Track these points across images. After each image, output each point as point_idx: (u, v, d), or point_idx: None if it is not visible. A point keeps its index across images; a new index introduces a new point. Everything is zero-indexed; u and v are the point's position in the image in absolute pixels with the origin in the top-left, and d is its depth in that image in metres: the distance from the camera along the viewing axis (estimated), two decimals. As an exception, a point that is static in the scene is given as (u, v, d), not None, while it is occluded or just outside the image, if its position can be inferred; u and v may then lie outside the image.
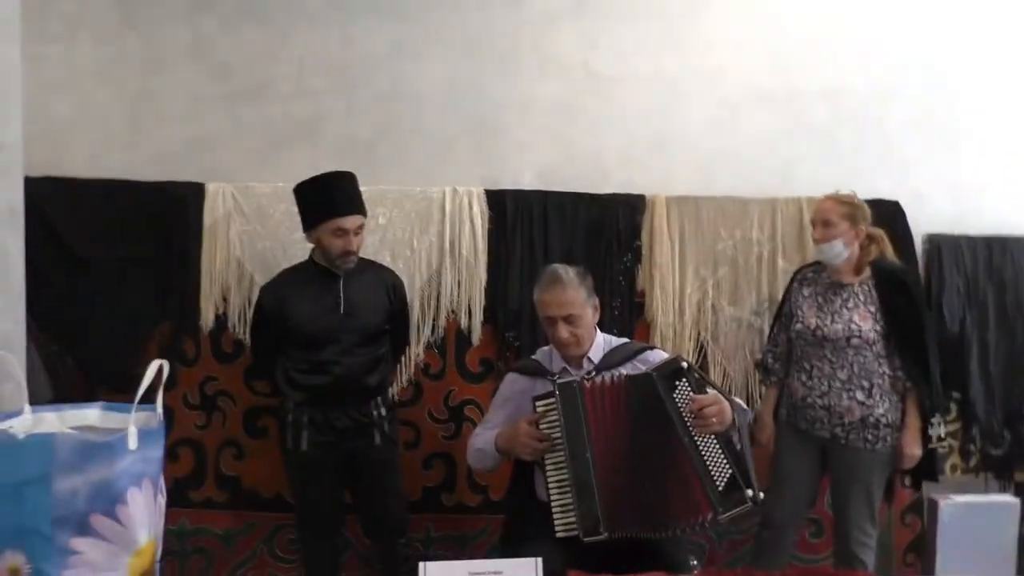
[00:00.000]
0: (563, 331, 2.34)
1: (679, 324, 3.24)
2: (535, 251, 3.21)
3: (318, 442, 2.71)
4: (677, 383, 2.11)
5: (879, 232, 2.88)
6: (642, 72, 3.34)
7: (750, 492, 2.00)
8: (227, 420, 3.14)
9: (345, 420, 2.73)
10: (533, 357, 2.56)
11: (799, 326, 2.86)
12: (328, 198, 2.68)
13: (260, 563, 3.17)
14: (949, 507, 3.20)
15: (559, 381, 2.24)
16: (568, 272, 2.38)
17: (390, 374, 2.95)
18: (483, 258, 3.19)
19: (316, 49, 3.26)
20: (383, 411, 2.80)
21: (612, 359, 2.40)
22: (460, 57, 3.30)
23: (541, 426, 2.22)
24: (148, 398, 1.43)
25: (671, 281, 3.24)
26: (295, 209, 2.90)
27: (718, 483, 2.03)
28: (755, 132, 3.36)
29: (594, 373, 2.31)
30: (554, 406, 2.20)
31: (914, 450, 2.75)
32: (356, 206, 2.71)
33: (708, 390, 2.15)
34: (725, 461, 2.06)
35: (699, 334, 3.26)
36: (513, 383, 2.50)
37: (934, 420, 2.78)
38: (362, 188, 2.79)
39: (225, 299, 3.12)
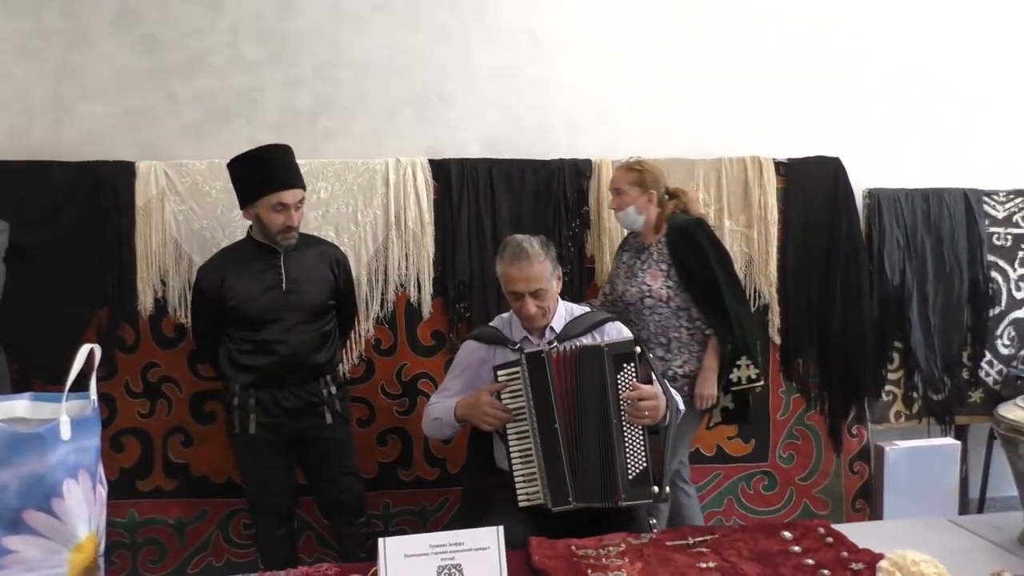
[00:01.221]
0: (531, 306, 2.30)
1: (629, 288, 3.24)
2: (483, 220, 3.18)
3: (266, 424, 2.64)
4: (625, 365, 2.11)
5: (681, 190, 2.96)
6: (585, 38, 3.32)
7: (655, 489, 2.08)
8: (172, 407, 3.05)
9: (293, 400, 2.65)
10: (491, 325, 2.52)
11: (612, 294, 2.95)
12: (266, 172, 2.58)
13: (216, 550, 3.11)
14: (894, 452, 3.30)
15: (527, 351, 2.21)
16: (533, 244, 2.32)
17: (338, 351, 2.87)
18: (430, 229, 3.14)
19: (251, 18, 3.15)
20: (333, 389, 2.73)
21: (573, 329, 2.38)
22: (402, 26, 3.23)
23: (503, 396, 2.20)
24: (82, 386, 1.36)
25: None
26: (232, 186, 2.80)
27: (630, 472, 2.09)
28: (699, 96, 3.37)
29: (555, 343, 2.29)
30: (517, 375, 2.18)
31: (704, 390, 2.79)
32: (295, 179, 2.63)
33: (653, 383, 2.15)
34: (643, 452, 2.10)
35: (649, 296, 3.27)
36: (471, 351, 2.46)
37: (740, 362, 2.81)
38: (303, 161, 2.72)
39: (164, 282, 3.02)
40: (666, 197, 2.89)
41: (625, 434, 2.10)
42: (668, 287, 2.79)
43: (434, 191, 3.15)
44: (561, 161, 3.23)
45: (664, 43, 3.36)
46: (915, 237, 3.42)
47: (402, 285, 3.13)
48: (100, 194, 2.97)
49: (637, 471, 2.09)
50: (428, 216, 3.13)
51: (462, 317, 3.15)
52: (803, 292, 3.33)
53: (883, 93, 3.49)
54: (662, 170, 2.90)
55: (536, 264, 2.30)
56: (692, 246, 2.78)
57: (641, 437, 2.11)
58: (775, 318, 3.31)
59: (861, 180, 3.39)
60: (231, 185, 2.76)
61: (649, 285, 2.80)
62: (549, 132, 3.31)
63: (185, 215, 3.02)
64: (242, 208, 2.66)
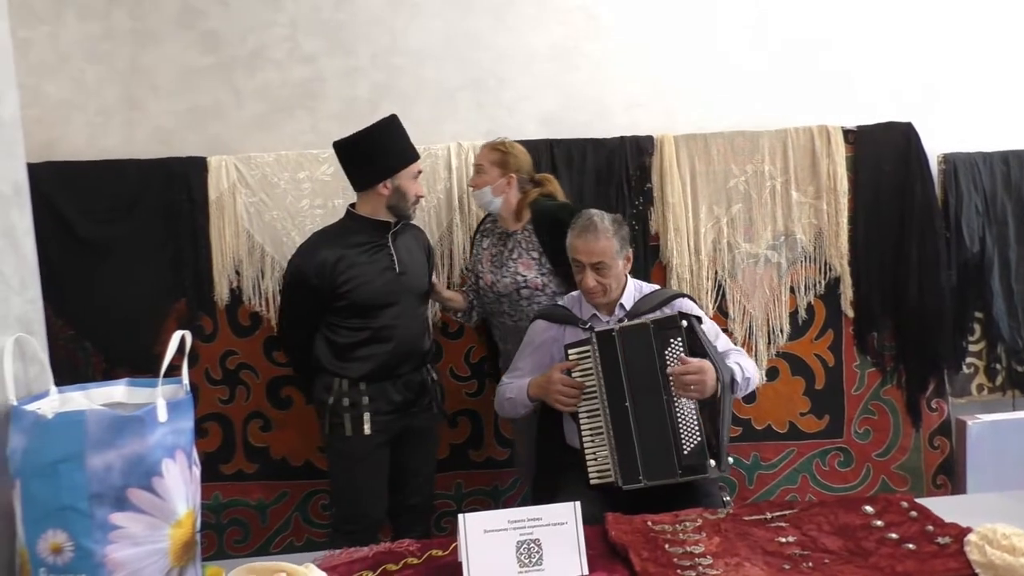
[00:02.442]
0: (590, 279, 2.32)
1: (695, 264, 3.20)
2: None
3: (379, 422, 2.49)
4: (672, 340, 2.10)
5: (546, 176, 2.88)
6: (641, 13, 3.27)
7: (713, 463, 2.05)
8: (251, 393, 3.13)
9: (405, 392, 2.55)
10: (560, 303, 2.54)
11: (481, 283, 2.86)
12: (405, 141, 2.57)
13: (296, 530, 3.20)
14: (977, 426, 3.19)
15: (596, 329, 2.22)
16: (604, 220, 2.35)
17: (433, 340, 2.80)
18: (492, 212, 3.15)
19: (309, 11, 3.18)
20: (435, 376, 2.68)
21: (643, 306, 2.38)
22: (456, 9, 3.23)
23: (574, 374, 2.22)
24: (172, 373, 1.41)
25: (684, 221, 3.19)
26: (300, 176, 2.85)
27: (684, 447, 2.06)
28: (761, 66, 3.29)
29: (626, 320, 2.28)
30: (588, 354, 2.19)
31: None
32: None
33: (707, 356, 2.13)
34: (696, 426, 2.08)
35: (716, 273, 3.22)
36: (541, 330, 2.47)
37: None
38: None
39: (238, 272, 3.09)
40: (530, 184, 2.81)
41: (677, 409, 2.08)
42: (542, 275, 2.72)
43: (496, 174, 3.15)
44: (622, 139, 3.20)
45: (722, 13, 3.28)
46: (995, 202, 3.28)
47: (467, 268, 3.15)
48: (174, 189, 3.05)
49: (692, 446, 2.07)
50: (491, 199, 3.14)
51: (527, 298, 3.16)
52: (876, 263, 3.23)
53: (956, 53, 3.35)
54: (528, 156, 2.84)
55: (602, 239, 2.31)
56: (557, 229, 2.60)
57: (694, 411, 2.09)
58: (847, 291, 3.23)
59: (935, 145, 3.26)
60: (299, 175, 2.81)
61: (524, 275, 2.72)
62: (607, 109, 3.28)
63: (256, 207, 3.09)
64: (373, 184, 2.52)
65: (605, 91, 3.29)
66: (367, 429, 2.47)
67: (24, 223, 1.46)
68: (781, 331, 3.24)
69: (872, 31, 3.31)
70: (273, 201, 3.10)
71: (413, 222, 2.76)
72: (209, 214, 3.07)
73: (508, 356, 2.71)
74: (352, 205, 2.62)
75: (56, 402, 1.40)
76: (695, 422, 2.08)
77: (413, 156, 2.58)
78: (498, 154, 2.79)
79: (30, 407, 1.33)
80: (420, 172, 2.60)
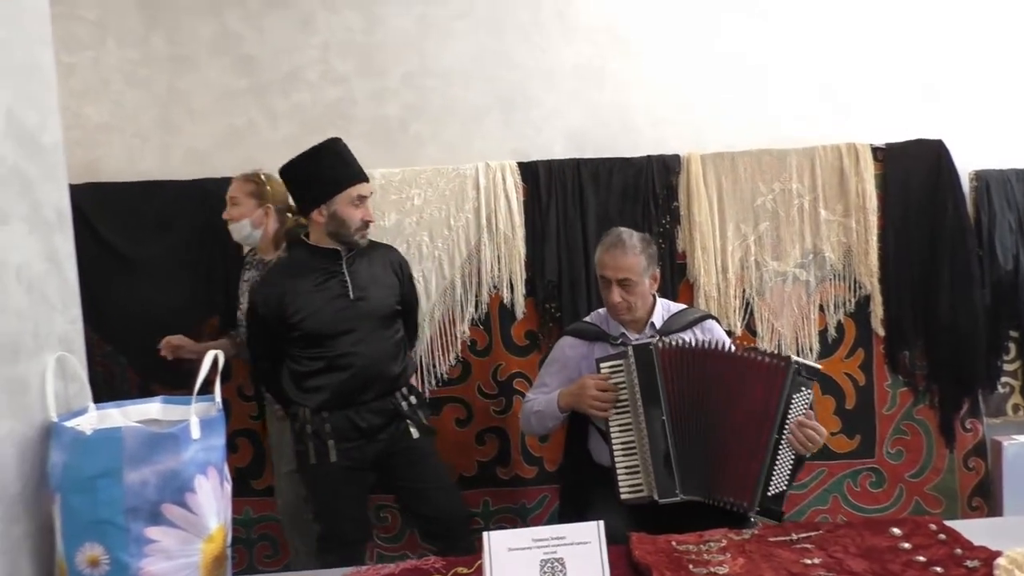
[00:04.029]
0: (616, 294, 2.34)
1: (723, 283, 3.20)
2: (571, 220, 3.19)
3: (346, 449, 2.41)
4: (803, 388, 2.07)
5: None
6: (667, 32, 3.29)
7: (783, 513, 2.06)
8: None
9: (370, 417, 2.44)
10: (588, 320, 2.55)
11: (239, 315, 2.80)
12: (342, 165, 2.44)
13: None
14: (1013, 447, 3.14)
15: (634, 343, 2.24)
16: (632, 237, 2.38)
17: (411, 361, 2.68)
18: (520, 231, 3.17)
19: (340, 33, 3.26)
20: (412, 400, 2.54)
21: (673, 325, 2.40)
22: (484, 31, 3.28)
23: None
24: (205, 390, 1.45)
25: (712, 240, 3.20)
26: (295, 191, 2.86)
27: (770, 490, 2.05)
28: (788, 84, 3.29)
29: (656, 338, 2.29)
30: (621, 367, 2.20)
31: None
32: (363, 172, 2.49)
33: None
34: (788, 476, 2.08)
35: (744, 291, 3.22)
36: (570, 347, 2.49)
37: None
38: (396, 169, 2.79)
39: (270, 290, 3.15)
40: (288, 215, 2.74)
41: (780, 452, 2.07)
42: None
43: (523, 193, 3.18)
44: (648, 157, 3.21)
45: (748, 32, 3.30)
46: (1029, 219, 3.25)
47: (495, 286, 3.17)
48: (207, 209, 3.10)
49: (777, 491, 2.06)
50: (518, 218, 3.17)
51: (553, 317, 3.17)
52: (907, 281, 3.20)
53: (988, 70, 3.32)
54: (283, 186, 2.62)
55: (630, 255, 2.33)
56: None
57: (791, 461, 2.08)
58: (877, 309, 3.20)
59: (967, 162, 3.23)
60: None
61: None
62: (633, 128, 3.30)
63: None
64: (310, 211, 2.44)
65: (632, 109, 3.31)
66: (333, 456, 2.40)
67: (67, 247, 1.51)
68: (810, 349, 3.22)
69: (902, 48, 3.30)
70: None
71: (421, 242, 2.76)
72: (243, 234, 3.14)
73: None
74: (305, 233, 2.55)
75: (94, 419, 1.44)
76: (788, 471, 2.08)
77: (348, 181, 2.42)
78: (253, 185, 2.74)
79: (70, 423, 1.38)
80: (364, 196, 2.44)
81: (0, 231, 1.32)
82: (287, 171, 2.48)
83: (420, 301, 2.92)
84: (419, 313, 2.85)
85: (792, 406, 2.06)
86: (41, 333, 1.41)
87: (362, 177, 2.47)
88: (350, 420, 2.43)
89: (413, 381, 2.75)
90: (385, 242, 2.74)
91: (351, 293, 2.43)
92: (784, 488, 2.06)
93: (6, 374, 1.31)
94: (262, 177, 2.79)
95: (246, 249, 2.94)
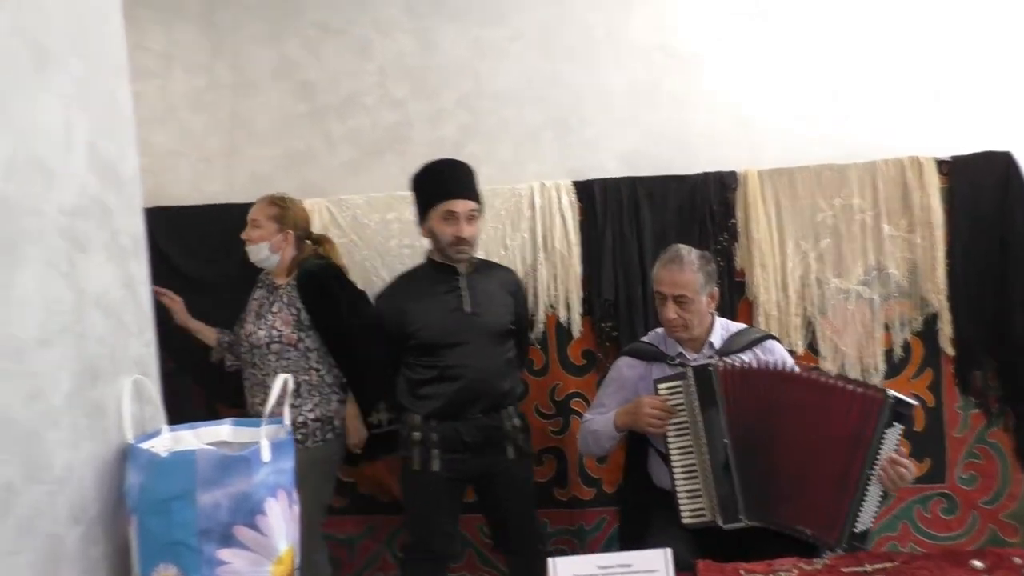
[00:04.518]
0: (671, 310, 2.32)
1: (783, 301, 3.14)
2: (626, 239, 3.17)
3: (449, 460, 2.52)
4: (895, 423, 2.01)
5: (326, 237, 2.84)
6: (721, 48, 3.26)
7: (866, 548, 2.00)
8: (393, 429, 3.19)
9: (476, 433, 2.53)
10: (645, 340, 2.53)
11: (242, 331, 2.79)
12: (438, 182, 2.56)
13: (383, 565, 3.24)
14: (1092, 473, 2.99)
15: (694, 364, 2.21)
16: (691, 254, 2.36)
17: (520, 381, 2.75)
18: (576, 250, 3.16)
19: (397, 58, 3.32)
20: (516, 421, 2.61)
21: (733, 345, 2.36)
22: (538, 52, 3.30)
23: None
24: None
25: (771, 257, 3.14)
26: (389, 217, 2.95)
27: (858, 526, 1.99)
28: (847, 97, 3.23)
29: (716, 358, 2.26)
30: (679, 388, 2.17)
31: (351, 439, 2.71)
32: (466, 190, 2.56)
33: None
34: (875, 512, 2.02)
35: (805, 309, 3.15)
36: (628, 367, 2.47)
37: (380, 406, 2.68)
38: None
39: (330, 311, 3.20)
40: (307, 242, 2.79)
41: (869, 488, 2.01)
42: (299, 331, 2.68)
43: (579, 212, 3.18)
44: (704, 174, 3.18)
45: (804, 44, 3.25)
46: (1106, 234, 3.11)
47: (551, 306, 3.16)
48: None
49: (863, 527, 2.01)
50: (574, 237, 3.16)
51: (610, 336, 3.15)
52: (976, 298, 3.09)
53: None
54: (306, 213, 2.82)
55: (687, 271, 2.31)
56: (321, 292, 2.66)
57: (879, 498, 2.02)
58: (946, 327, 3.09)
59: (1037, 175, 3.12)
60: (388, 216, 2.91)
61: (279, 330, 2.67)
62: (688, 145, 3.27)
63: (347, 247, 3.18)
64: (420, 226, 2.63)
65: (687, 127, 3.28)
66: (435, 466, 2.51)
67: (141, 272, 1.56)
68: (875, 369, 3.13)
69: (964, 58, 3.21)
70: (363, 241, 3.20)
71: (502, 263, 2.87)
72: (303, 254, 3.20)
73: (254, 410, 2.71)
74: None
75: (168, 440, 1.48)
76: (875, 508, 2.03)
77: (439, 198, 2.52)
78: (276, 209, 2.75)
79: (145, 445, 1.41)
80: (455, 212, 2.51)
81: (81, 259, 1.36)
82: (412, 188, 2.65)
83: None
84: (529, 333, 2.95)
85: (885, 441, 1.99)
86: (118, 357, 1.45)
87: (455, 194, 2.53)
88: (456, 432, 2.52)
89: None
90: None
91: (466, 307, 2.54)
92: (869, 525, 2.00)
93: (86, 398, 1.35)
94: (286, 202, 2.80)
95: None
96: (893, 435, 2.00)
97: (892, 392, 2.01)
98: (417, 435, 2.55)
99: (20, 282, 1.20)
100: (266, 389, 2.67)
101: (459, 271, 2.58)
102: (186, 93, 3.36)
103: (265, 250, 2.75)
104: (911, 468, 2.02)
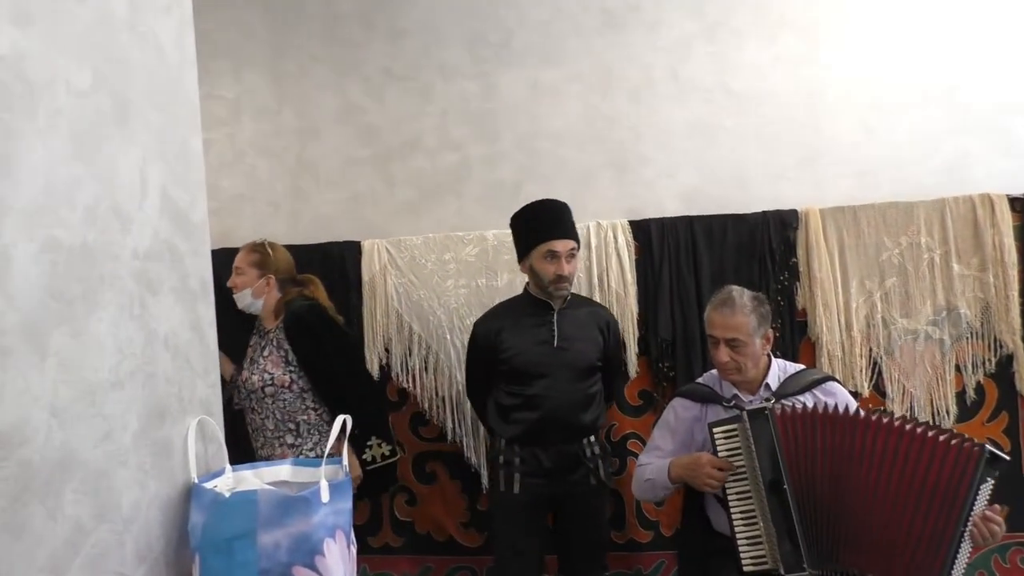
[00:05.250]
0: (724, 354, 2.28)
1: (847, 341, 3.06)
2: (684, 277, 3.14)
3: (530, 485, 2.61)
4: (989, 478, 1.93)
5: (309, 277, 2.82)
6: (781, 87, 3.24)
7: None
8: (397, 467, 3.23)
9: (556, 459, 2.61)
10: (700, 382, 2.49)
11: (239, 377, 2.77)
12: (537, 222, 2.65)
13: (442, 604, 3.23)
14: None
15: (749, 408, 2.16)
16: (743, 296, 2.32)
17: (603, 414, 2.79)
18: (632, 289, 3.15)
19: (457, 101, 3.39)
20: (596, 450, 2.67)
21: (790, 387, 2.30)
22: (596, 92, 3.33)
23: (720, 454, 2.15)
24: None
25: (834, 297, 3.07)
26: (446, 257, 2.98)
27: None
28: (912, 133, 3.17)
29: (772, 400, 2.21)
30: (736, 433, 2.13)
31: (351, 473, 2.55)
32: (567, 230, 2.65)
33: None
34: (965, 565, 1.94)
35: (871, 350, 3.06)
36: (683, 409, 2.43)
37: (371, 442, 2.70)
38: (509, 229, 2.83)
39: (387, 350, 3.24)
40: (291, 284, 2.81)
41: (961, 547, 1.93)
42: (290, 372, 2.68)
43: (635, 251, 3.17)
44: (764, 213, 3.14)
45: (864, 80, 3.20)
46: None
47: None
48: (331, 271, 3.25)
49: None
50: (630, 276, 3.15)
51: (666, 376, 3.11)
52: (1054, 338, 2.97)
53: None
54: (289, 256, 2.85)
55: (739, 314, 2.27)
56: (307, 332, 2.69)
57: (968, 554, 1.94)
58: (1021, 369, 2.97)
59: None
60: (444, 256, 2.94)
61: (271, 373, 2.68)
62: (748, 183, 3.24)
63: (404, 287, 3.24)
64: (520, 262, 2.74)
65: (746, 165, 3.26)
66: (516, 488, 2.61)
67: (208, 314, 1.61)
68: (947, 412, 3.02)
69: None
70: (420, 281, 3.24)
71: (596, 299, 3.00)
72: (362, 294, 3.25)
73: (257, 455, 2.74)
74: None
75: (231, 480, 1.51)
76: (964, 564, 1.94)
77: (541, 238, 2.62)
78: (256, 255, 2.79)
79: (209, 485, 1.45)
80: (556, 252, 2.60)
81: (152, 301, 1.42)
82: (511, 225, 2.76)
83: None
84: (619, 370, 3.01)
85: (979, 496, 1.91)
86: (185, 397, 1.50)
87: (557, 235, 2.62)
88: (536, 457, 2.62)
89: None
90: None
91: (555, 341, 2.63)
92: None
93: (154, 437, 1.39)
94: (267, 247, 2.83)
95: None
96: (986, 490, 1.92)
97: (988, 447, 1.92)
98: (502, 457, 2.66)
99: (95, 326, 1.26)
100: (265, 433, 2.72)
101: (553, 306, 2.68)
102: (253, 139, 3.49)
103: (248, 296, 2.79)
104: (1003, 525, 1.93)
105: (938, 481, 1.93)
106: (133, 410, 1.34)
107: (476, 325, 2.81)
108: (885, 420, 2.02)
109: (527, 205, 2.71)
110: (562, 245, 2.61)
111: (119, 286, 1.33)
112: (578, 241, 2.69)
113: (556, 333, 2.65)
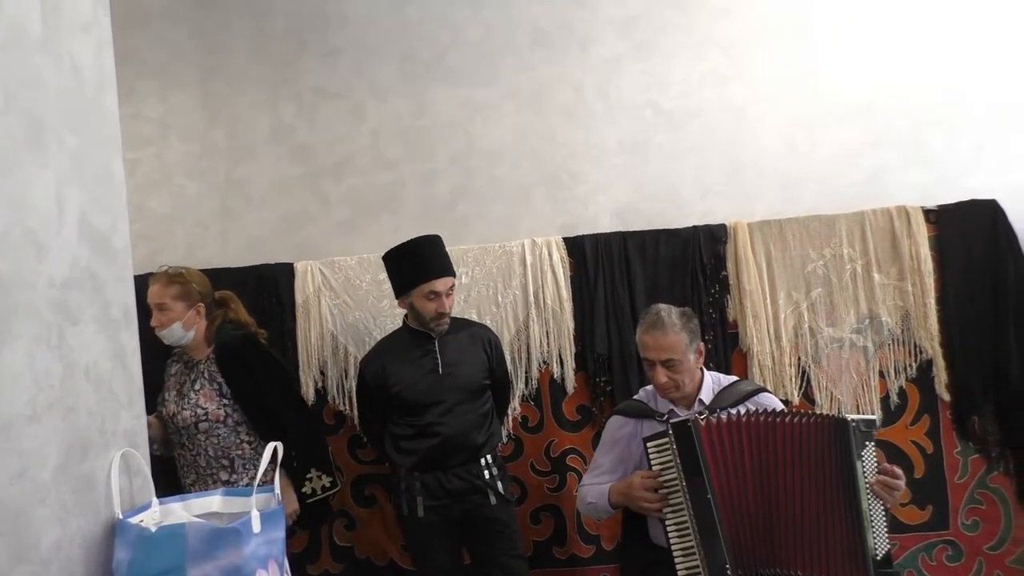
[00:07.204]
0: (661, 375, 2.31)
1: (777, 351, 3.14)
2: (618, 293, 3.19)
3: (433, 506, 2.69)
4: (868, 443, 2.05)
5: (227, 294, 2.79)
6: (709, 103, 3.33)
7: (898, 572, 2.00)
8: (336, 492, 3.18)
9: (456, 482, 2.69)
10: (636, 398, 2.52)
11: (164, 412, 2.70)
12: (418, 263, 2.71)
13: (381, 629, 3.18)
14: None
15: (672, 421, 2.18)
16: (671, 315, 2.34)
17: (498, 431, 2.88)
18: (568, 305, 3.18)
19: (390, 120, 3.37)
20: (494, 470, 2.75)
21: (724, 400, 2.35)
22: (529, 110, 3.37)
23: (654, 467, 2.18)
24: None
25: (763, 308, 3.16)
26: (381, 278, 2.96)
27: (876, 552, 1.99)
28: (833, 148, 3.29)
29: (706, 413, 2.25)
30: (667, 446, 2.15)
31: (287, 509, 2.58)
32: (445, 267, 2.75)
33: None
34: (885, 533, 2.03)
35: (799, 359, 3.15)
36: (619, 426, 2.46)
37: (310, 475, 2.67)
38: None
39: (323, 372, 3.19)
40: (215, 306, 2.73)
41: (873, 514, 2.01)
42: (224, 406, 2.61)
43: (570, 267, 3.20)
44: (695, 228, 3.21)
45: (788, 96, 3.31)
46: (1095, 278, 3.13)
47: (545, 362, 3.17)
48: (264, 294, 3.19)
49: (883, 552, 2.00)
50: (566, 292, 3.18)
51: (604, 391, 3.14)
52: (971, 342, 3.09)
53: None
54: (205, 278, 2.73)
55: (671, 334, 2.30)
56: (239, 363, 2.64)
57: (883, 516, 2.02)
58: (941, 373, 3.10)
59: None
60: (379, 277, 2.92)
61: (205, 408, 2.60)
62: (680, 199, 3.31)
63: (339, 308, 3.21)
64: (397, 298, 2.80)
65: (678, 181, 3.33)
66: (420, 512, 2.68)
67: (132, 343, 1.56)
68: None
69: (948, 105, 3.26)
70: (355, 302, 3.21)
71: (494, 320, 3.02)
72: (296, 316, 3.20)
73: (189, 491, 2.62)
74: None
75: (157, 514, 1.46)
76: (883, 527, 2.03)
77: (422, 278, 2.68)
78: (177, 287, 2.64)
79: (134, 519, 1.40)
80: (437, 292, 2.67)
81: (72, 331, 1.37)
82: (384, 262, 2.81)
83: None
84: (511, 387, 3.09)
85: (865, 461, 2.02)
86: (108, 429, 1.45)
87: (436, 274, 2.70)
88: (439, 481, 2.69)
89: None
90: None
91: (440, 369, 2.71)
92: (888, 547, 2.01)
93: (75, 472, 1.34)
94: (183, 276, 2.68)
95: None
96: (870, 453, 2.04)
97: (850, 415, 2.06)
98: (403, 484, 2.73)
99: (8, 357, 1.21)
100: (198, 469, 2.63)
101: (433, 335, 2.75)
102: (182, 159, 3.41)
103: (179, 330, 2.64)
104: (898, 472, 2.06)
105: (824, 461, 2.04)
106: (52, 444, 1.29)
107: (362, 365, 2.87)
108: (787, 420, 2.11)
109: (403, 244, 2.74)
110: (443, 284, 2.70)
111: (35, 316, 1.28)
112: (454, 274, 2.79)
113: (440, 360, 2.73)
